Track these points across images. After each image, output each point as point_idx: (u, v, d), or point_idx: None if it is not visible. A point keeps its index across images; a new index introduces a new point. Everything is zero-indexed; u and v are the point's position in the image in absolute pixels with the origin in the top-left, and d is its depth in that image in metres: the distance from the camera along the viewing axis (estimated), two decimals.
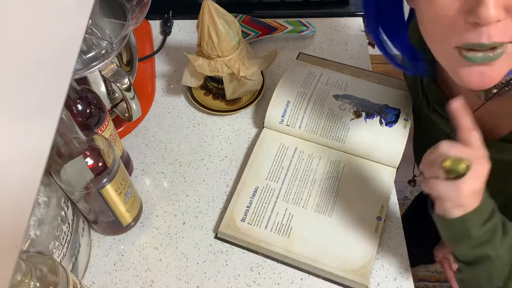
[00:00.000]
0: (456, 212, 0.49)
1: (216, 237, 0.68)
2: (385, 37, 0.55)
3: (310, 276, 0.64)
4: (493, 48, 0.43)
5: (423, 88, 0.68)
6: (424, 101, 0.67)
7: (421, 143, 0.76)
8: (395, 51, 0.58)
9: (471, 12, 0.41)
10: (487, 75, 0.45)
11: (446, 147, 0.48)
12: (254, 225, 0.67)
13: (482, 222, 0.49)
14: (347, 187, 0.70)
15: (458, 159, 0.47)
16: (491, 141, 0.56)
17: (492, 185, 0.57)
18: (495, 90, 0.54)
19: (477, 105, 0.58)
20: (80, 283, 0.54)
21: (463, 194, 0.47)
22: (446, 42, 0.45)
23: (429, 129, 0.70)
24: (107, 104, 0.73)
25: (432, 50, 0.49)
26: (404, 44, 0.57)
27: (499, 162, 0.55)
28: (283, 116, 0.75)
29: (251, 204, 0.68)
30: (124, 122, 0.79)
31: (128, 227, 0.68)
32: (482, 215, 0.49)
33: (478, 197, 0.49)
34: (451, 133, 0.57)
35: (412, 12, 0.59)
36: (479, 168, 0.48)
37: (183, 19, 0.96)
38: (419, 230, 0.89)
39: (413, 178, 0.81)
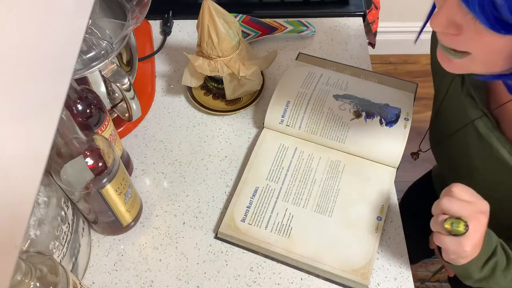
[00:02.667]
0: (460, 262, 0.55)
1: (216, 237, 0.68)
2: None
3: (310, 276, 0.64)
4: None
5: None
6: (459, 82, 0.65)
7: (440, 117, 0.74)
8: None
9: None
10: (447, 65, 0.50)
11: (446, 204, 0.52)
12: (254, 225, 0.66)
13: (482, 265, 0.55)
14: (347, 187, 0.70)
15: (457, 221, 0.51)
16: (506, 142, 0.56)
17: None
18: None
19: None
20: (80, 283, 0.54)
21: (466, 250, 0.52)
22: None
23: (453, 112, 0.69)
24: (107, 104, 0.73)
25: None
26: None
27: None
28: (283, 117, 0.75)
29: (251, 204, 0.68)
30: (124, 122, 0.79)
31: (128, 227, 0.68)
32: (481, 259, 0.55)
33: (479, 247, 0.54)
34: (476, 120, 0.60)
35: None
36: (477, 223, 0.52)
37: (183, 19, 0.96)
38: (415, 223, 0.89)
39: (418, 151, 0.81)
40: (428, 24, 0.50)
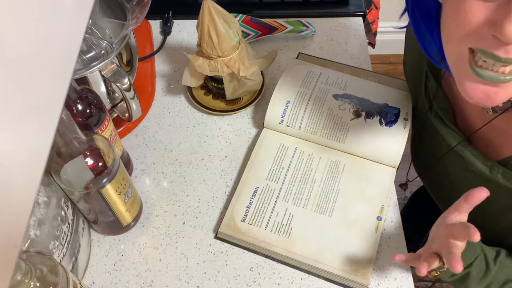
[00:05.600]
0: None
1: (216, 237, 0.68)
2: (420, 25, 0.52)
3: (310, 276, 0.64)
4: (505, 63, 0.41)
5: (427, 93, 0.66)
6: (427, 106, 0.66)
7: (419, 148, 0.75)
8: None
9: (496, 24, 0.39)
10: (491, 96, 0.44)
11: (423, 270, 0.53)
12: (254, 225, 0.66)
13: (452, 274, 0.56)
14: (347, 187, 0.70)
15: (433, 271, 0.54)
16: (494, 162, 0.56)
17: (491, 213, 0.59)
18: (501, 105, 0.52)
19: (484, 119, 0.57)
20: (80, 283, 0.54)
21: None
22: (461, 42, 0.43)
23: (429, 135, 0.69)
24: (107, 104, 0.73)
25: (445, 50, 0.47)
26: (436, 38, 0.53)
27: (502, 187, 0.55)
28: (282, 117, 0.75)
29: (251, 204, 0.68)
30: (124, 122, 0.79)
31: (128, 227, 0.68)
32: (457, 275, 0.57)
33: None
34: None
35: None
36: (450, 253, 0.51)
37: (183, 19, 0.96)
38: (416, 228, 0.89)
39: (406, 182, 0.81)
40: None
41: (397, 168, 0.72)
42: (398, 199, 0.72)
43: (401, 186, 0.82)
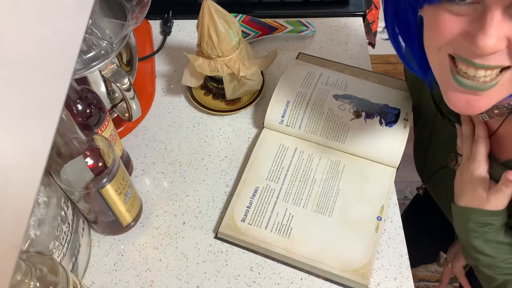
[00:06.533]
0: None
1: (216, 237, 0.68)
2: (400, 39, 0.54)
3: (310, 276, 0.64)
4: (485, 69, 0.42)
5: (433, 96, 0.67)
6: (434, 110, 0.66)
7: (427, 153, 0.75)
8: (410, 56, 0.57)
9: (470, 37, 0.41)
10: (472, 104, 0.46)
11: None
12: (254, 225, 0.66)
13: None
14: (347, 187, 0.70)
15: None
16: (497, 164, 0.57)
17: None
18: (497, 111, 0.54)
19: (491, 124, 0.58)
20: (80, 283, 0.54)
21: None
22: (441, 50, 0.45)
23: (438, 138, 0.70)
24: (107, 104, 0.73)
25: (428, 59, 0.49)
26: (418, 51, 0.55)
27: None
28: (282, 117, 0.75)
29: (251, 204, 0.68)
30: (124, 122, 0.79)
31: (128, 227, 0.68)
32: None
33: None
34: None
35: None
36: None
37: (183, 19, 0.96)
38: (418, 229, 0.89)
39: (422, 186, 0.81)
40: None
41: (397, 168, 0.71)
42: (398, 199, 0.72)
43: (417, 189, 0.82)
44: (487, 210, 0.56)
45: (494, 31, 0.39)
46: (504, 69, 0.43)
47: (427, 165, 0.76)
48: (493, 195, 0.55)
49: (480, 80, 0.43)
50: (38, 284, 0.45)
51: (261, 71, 0.81)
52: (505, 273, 0.57)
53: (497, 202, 0.55)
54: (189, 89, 0.83)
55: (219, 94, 0.82)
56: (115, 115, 0.77)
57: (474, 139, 0.58)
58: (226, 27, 0.71)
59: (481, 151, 0.57)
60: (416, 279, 1.47)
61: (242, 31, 0.87)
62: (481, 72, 0.43)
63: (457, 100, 0.47)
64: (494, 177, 0.57)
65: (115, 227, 0.67)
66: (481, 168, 0.57)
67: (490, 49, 0.40)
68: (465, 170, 0.59)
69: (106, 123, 0.65)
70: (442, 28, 0.43)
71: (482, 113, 0.56)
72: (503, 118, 0.54)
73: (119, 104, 0.75)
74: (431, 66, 0.49)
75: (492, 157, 0.58)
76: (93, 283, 0.65)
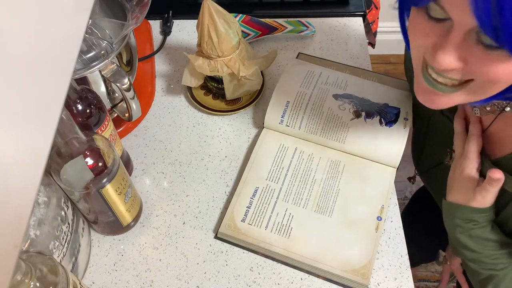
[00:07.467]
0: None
1: (216, 237, 0.68)
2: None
3: (310, 276, 0.64)
4: (445, 78, 0.45)
5: None
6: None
7: (423, 147, 0.75)
8: None
9: (435, 48, 0.43)
10: (433, 99, 0.49)
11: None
12: (254, 225, 0.66)
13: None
14: (347, 187, 0.70)
15: None
16: (488, 162, 0.57)
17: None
18: (489, 108, 0.55)
19: (486, 121, 0.59)
20: (80, 283, 0.54)
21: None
22: (418, 48, 0.48)
23: (435, 134, 0.71)
24: (107, 104, 0.73)
25: (410, 46, 0.51)
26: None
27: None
28: (282, 117, 0.75)
29: (251, 204, 0.68)
30: (124, 122, 0.79)
31: (128, 227, 0.68)
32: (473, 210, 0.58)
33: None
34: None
35: None
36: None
37: (183, 19, 0.96)
38: (417, 229, 0.89)
39: (414, 175, 0.81)
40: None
41: (397, 168, 0.71)
42: (398, 199, 0.72)
43: (409, 179, 0.82)
44: (472, 207, 0.57)
45: (453, 51, 0.42)
46: (467, 80, 0.45)
47: (423, 159, 0.76)
48: (478, 193, 0.56)
49: (440, 84, 0.46)
50: (38, 284, 0.45)
51: (261, 71, 0.81)
52: (490, 268, 0.58)
53: (482, 200, 0.56)
54: (189, 89, 0.83)
55: (219, 94, 0.82)
56: (115, 115, 0.77)
57: (467, 136, 0.59)
58: (226, 27, 0.71)
59: (473, 148, 0.57)
60: (416, 279, 1.47)
61: (242, 31, 0.87)
62: (441, 78, 0.46)
63: (421, 93, 0.50)
64: (485, 175, 0.57)
65: (115, 227, 0.67)
66: (471, 165, 0.57)
67: (445, 66, 0.42)
68: (457, 167, 0.60)
69: (106, 123, 0.65)
70: (418, 32, 0.46)
71: (474, 107, 0.57)
72: (495, 115, 0.55)
73: (119, 104, 0.75)
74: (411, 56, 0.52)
75: (484, 155, 0.58)
76: (93, 283, 0.65)
